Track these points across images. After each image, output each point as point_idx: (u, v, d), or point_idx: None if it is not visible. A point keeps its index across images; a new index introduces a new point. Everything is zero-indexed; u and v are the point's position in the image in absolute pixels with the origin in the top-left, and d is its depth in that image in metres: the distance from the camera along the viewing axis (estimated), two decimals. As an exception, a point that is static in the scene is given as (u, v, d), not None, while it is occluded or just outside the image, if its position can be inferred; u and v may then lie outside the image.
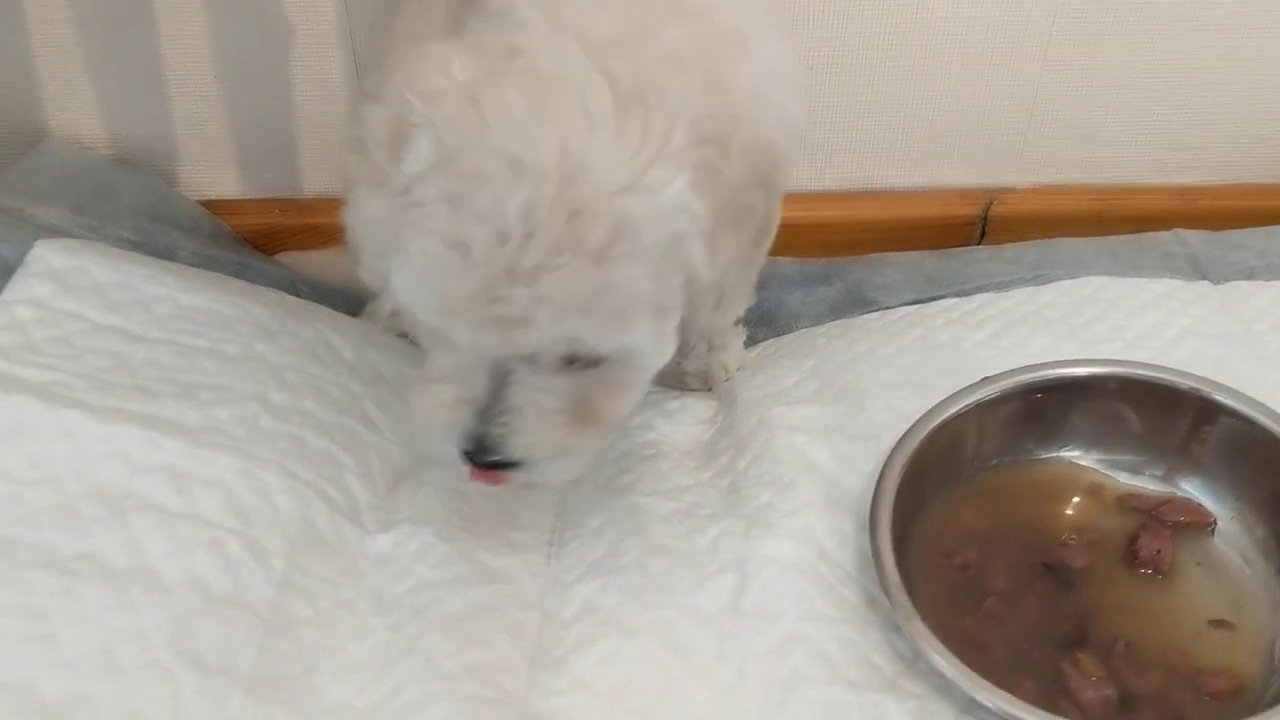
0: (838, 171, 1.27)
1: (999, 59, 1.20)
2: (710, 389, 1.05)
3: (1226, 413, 0.87)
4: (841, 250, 1.21)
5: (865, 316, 1.09)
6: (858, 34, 1.17)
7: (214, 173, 1.25)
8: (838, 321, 1.10)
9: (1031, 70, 1.20)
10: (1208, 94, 1.23)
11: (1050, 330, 1.01)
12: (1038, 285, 1.08)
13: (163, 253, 1.08)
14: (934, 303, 1.09)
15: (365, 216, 0.95)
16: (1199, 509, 0.87)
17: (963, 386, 0.90)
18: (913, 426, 0.87)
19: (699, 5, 0.75)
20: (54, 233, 1.00)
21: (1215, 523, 0.86)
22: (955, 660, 0.72)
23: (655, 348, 0.73)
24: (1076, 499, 0.89)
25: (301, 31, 1.15)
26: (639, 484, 0.94)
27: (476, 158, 0.66)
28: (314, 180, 1.25)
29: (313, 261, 1.21)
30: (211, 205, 1.24)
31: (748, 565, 0.83)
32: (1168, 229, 1.17)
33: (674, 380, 1.05)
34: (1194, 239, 1.14)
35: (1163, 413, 0.89)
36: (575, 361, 0.71)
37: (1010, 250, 1.15)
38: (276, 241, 1.25)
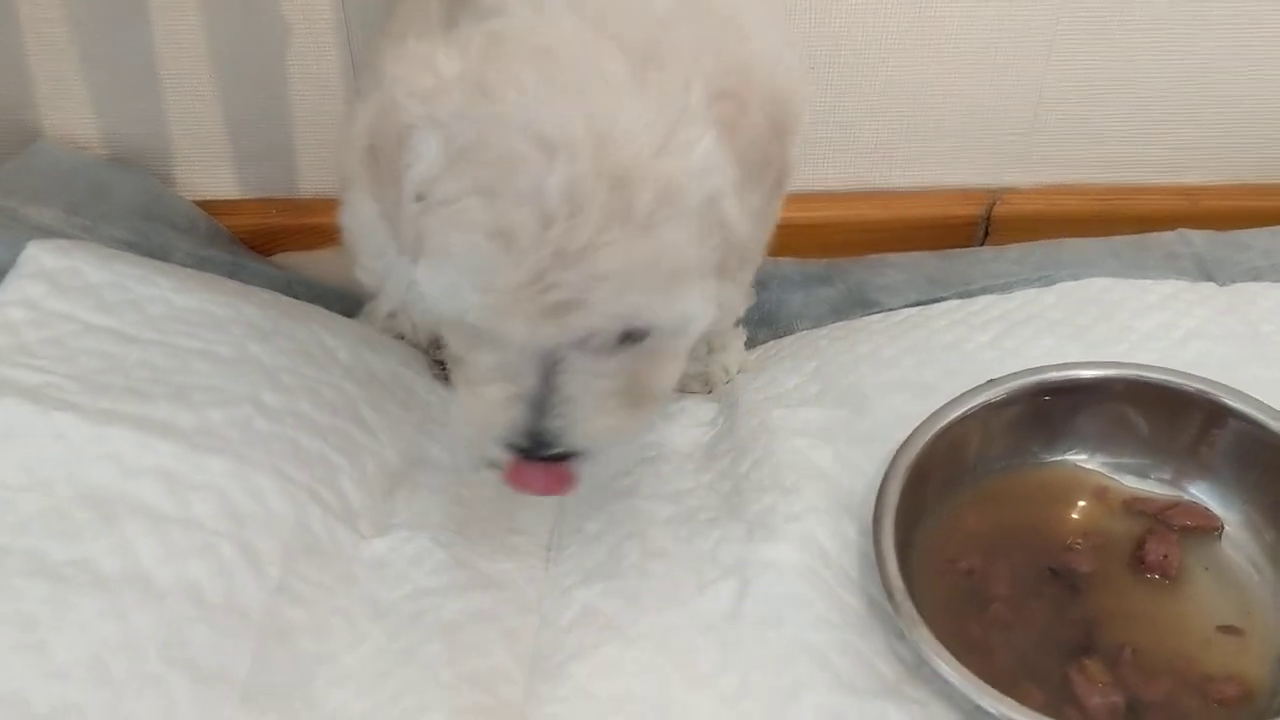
0: (839, 171, 1.26)
1: (1003, 58, 1.19)
2: (710, 391, 1.04)
3: (1235, 416, 0.86)
4: (843, 251, 1.21)
5: (867, 318, 1.09)
6: (859, 33, 1.17)
7: (210, 173, 1.24)
8: (839, 323, 1.09)
9: (1035, 69, 1.20)
10: (1213, 93, 1.23)
11: (1055, 332, 1.00)
12: (1042, 286, 1.07)
13: (157, 253, 1.07)
14: (937, 304, 1.08)
15: (361, 217, 0.95)
16: (1206, 513, 0.86)
17: (967, 389, 0.89)
18: (916, 429, 0.86)
19: None
20: (47, 233, 1.00)
21: (1223, 527, 0.86)
22: (959, 667, 0.72)
23: (703, 312, 0.71)
24: (1082, 503, 0.88)
25: (298, 30, 1.15)
26: (639, 487, 0.93)
27: (502, 143, 0.63)
28: (311, 180, 1.25)
29: (310, 262, 1.20)
30: (207, 205, 1.23)
31: (749, 570, 0.82)
32: (1173, 229, 1.16)
33: (674, 382, 1.04)
34: (1199, 239, 1.14)
35: (1170, 416, 0.88)
36: (628, 338, 0.69)
37: (1014, 251, 1.15)
38: (273, 242, 1.24)
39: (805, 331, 1.10)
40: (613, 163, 0.63)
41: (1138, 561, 0.83)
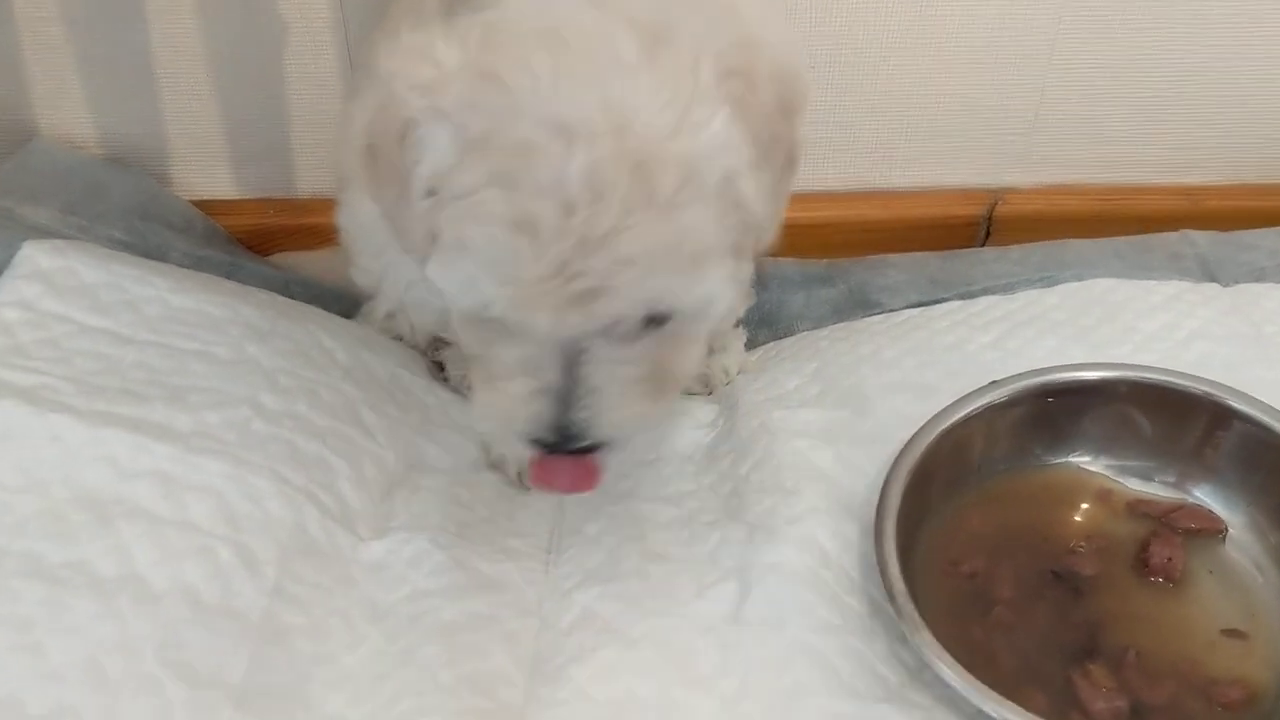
0: (840, 171, 1.25)
1: (1004, 57, 1.18)
2: (711, 392, 1.04)
3: (1240, 418, 0.85)
4: (843, 251, 1.20)
5: (868, 319, 1.08)
6: (860, 32, 1.16)
7: (207, 172, 1.23)
8: (840, 324, 1.09)
9: (1037, 68, 1.19)
10: (1216, 92, 1.22)
11: (1057, 333, 1.00)
12: (1044, 287, 1.07)
13: (154, 253, 1.06)
14: (938, 305, 1.08)
15: (358, 218, 0.94)
16: (1210, 515, 0.86)
17: (969, 390, 0.89)
18: (919, 431, 0.86)
19: None
20: (43, 233, 0.99)
21: (1227, 530, 0.85)
22: (962, 671, 0.71)
23: (724, 293, 0.70)
24: (1085, 505, 0.88)
25: (295, 29, 1.14)
26: (638, 489, 0.92)
27: (517, 131, 0.63)
28: (309, 180, 1.24)
29: (309, 262, 1.19)
30: (205, 205, 1.23)
31: (750, 573, 0.82)
32: (1175, 230, 1.15)
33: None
34: (1202, 240, 1.13)
35: (1174, 418, 0.88)
36: (650, 323, 0.69)
37: (1016, 252, 1.14)
38: (271, 242, 1.23)
39: (806, 332, 1.10)
40: (632, 146, 0.62)
41: (1141, 564, 0.83)
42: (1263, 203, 1.25)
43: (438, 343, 1.03)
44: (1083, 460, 0.90)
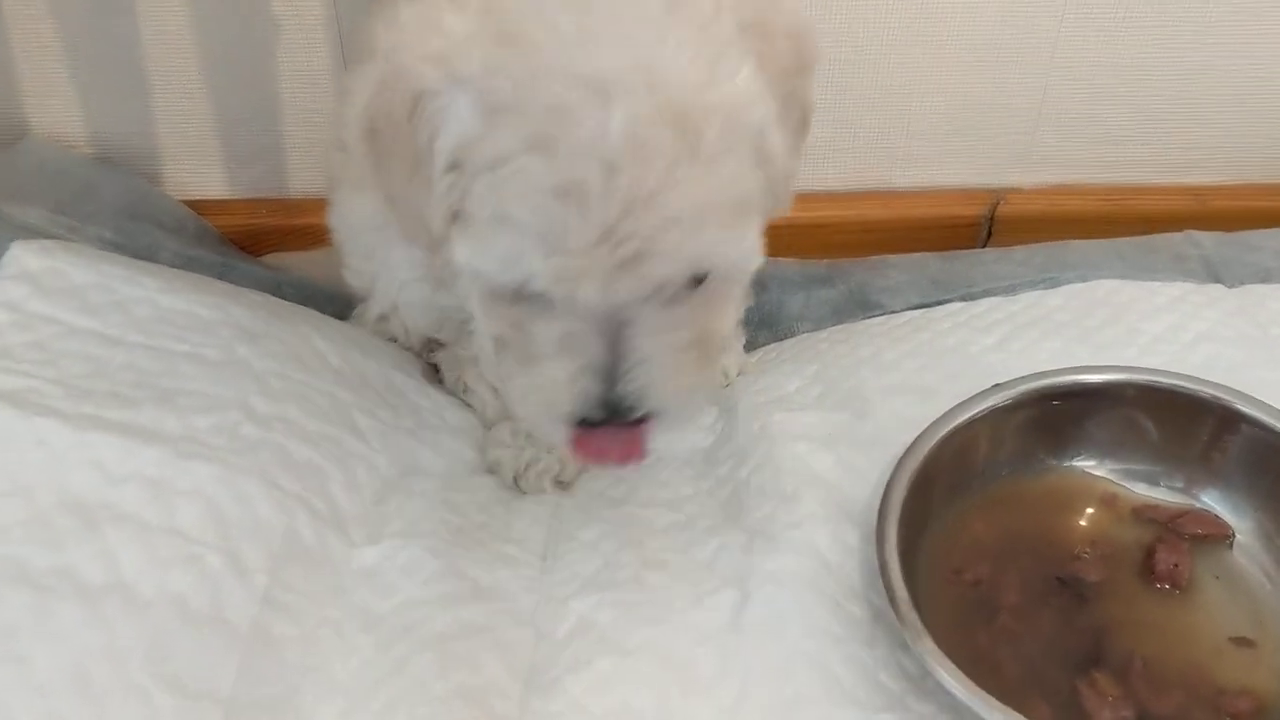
0: (839, 170, 1.25)
1: (1006, 55, 1.18)
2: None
3: (1248, 422, 0.85)
4: (843, 251, 1.19)
5: (869, 320, 1.08)
6: (860, 29, 1.15)
7: (198, 172, 1.23)
8: (841, 325, 1.08)
9: (1039, 67, 1.18)
10: (1220, 91, 1.21)
11: (1061, 334, 0.99)
12: (1047, 289, 1.06)
13: (144, 254, 1.05)
14: (940, 306, 1.07)
15: (349, 218, 0.93)
16: (1217, 521, 0.85)
17: (971, 392, 0.88)
18: (921, 434, 0.85)
19: None
20: (33, 233, 0.98)
21: (1234, 535, 0.84)
22: (966, 680, 0.70)
23: (759, 249, 0.69)
24: (1090, 510, 0.87)
25: (288, 26, 1.13)
26: (635, 494, 0.91)
27: (549, 93, 0.61)
28: (301, 179, 1.23)
29: (302, 263, 1.18)
30: (196, 205, 1.22)
31: (749, 580, 0.81)
32: (1179, 230, 1.15)
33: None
34: (1207, 240, 1.12)
35: (1181, 421, 0.87)
36: (693, 285, 0.68)
37: (1018, 253, 1.14)
38: (263, 242, 1.23)
39: (806, 334, 1.09)
40: (669, 99, 0.61)
41: (1147, 571, 0.82)
42: (1269, 202, 1.24)
43: (432, 344, 1.02)
44: (1087, 464, 0.89)
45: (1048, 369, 0.89)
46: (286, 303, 1.02)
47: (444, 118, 0.64)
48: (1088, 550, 0.83)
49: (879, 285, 1.12)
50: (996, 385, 0.88)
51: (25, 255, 0.91)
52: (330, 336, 0.97)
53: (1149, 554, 0.82)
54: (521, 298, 0.67)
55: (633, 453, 0.73)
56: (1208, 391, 0.86)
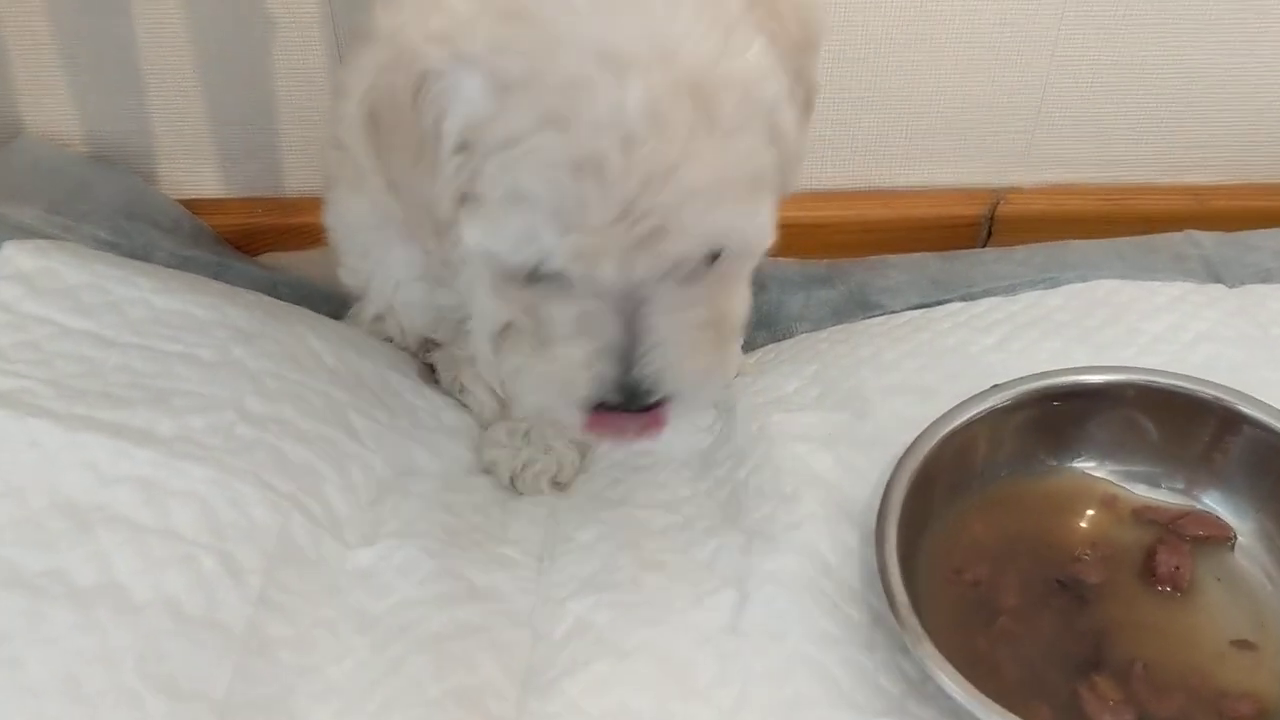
0: (839, 169, 1.24)
1: (1006, 54, 1.17)
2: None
3: (1249, 423, 0.84)
4: (843, 251, 1.19)
5: (869, 320, 1.07)
6: (860, 27, 1.15)
7: (194, 170, 1.22)
8: (840, 325, 1.08)
9: (1039, 65, 1.18)
10: (1221, 90, 1.21)
11: (1061, 334, 0.99)
12: (1047, 288, 1.06)
13: (139, 253, 1.05)
14: (940, 306, 1.07)
15: (345, 217, 0.93)
16: (1218, 522, 0.84)
17: (971, 393, 0.87)
18: (920, 435, 0.84)
19: None
20: (27, 233, 0.98)
21: (1236, 537, 0.84)
22: (965, 683, 0.69)
23: (772, 227, 0.69)
24: (1091, 511, 0.86)
25: (283, 23, 1.13)
26: (633, 495, 0.91)
27: (562, 67, 0.60)
28: (297, 178, 1.23)
29: (298, 262, 1.18)
30: (192, 204, 1.22)
31: (748, 581, 0.80)
32: (1180, 230, 1.14)
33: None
34: (1207, 240, 1.12)
35: (1182, 422, 0.86)
36: (709, 263, 0.67)
37: (1018, 253, 1.13)
38: (259, 242, 1.22)
39: (805, 334, 1.09)
40: (685, 71, 0.60)
41: (1148, 573, 0.81)
42: (1269, 202, 1.24)
43: (429, 344, 1.02)
44: (1088, 465, 0.89)
45: (1048, 369, 0.89)
46: (282, 303, 1.01)
47: (450, 97, 0.64)
48: (1088, 552, 0.83)
49: (879, 285, 1.12)
50: (996, 385, 0.87)
51: (19, 255, 0.90)
52: (326, 336, 0.96)
53: (1150, 556, 0.82)
54: (535, 279, 0.67)
55: (650, 428, 0.72)
56: (1209, 392, 0.86)
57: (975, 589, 0.81)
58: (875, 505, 0.81)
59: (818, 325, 1.09)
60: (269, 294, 1.03)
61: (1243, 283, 1.05)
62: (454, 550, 0.84)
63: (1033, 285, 1.06)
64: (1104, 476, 0.88)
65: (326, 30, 1.13)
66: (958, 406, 0.86)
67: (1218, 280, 1.06)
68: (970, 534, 0.84)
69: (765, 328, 1.11)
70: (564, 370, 0.69)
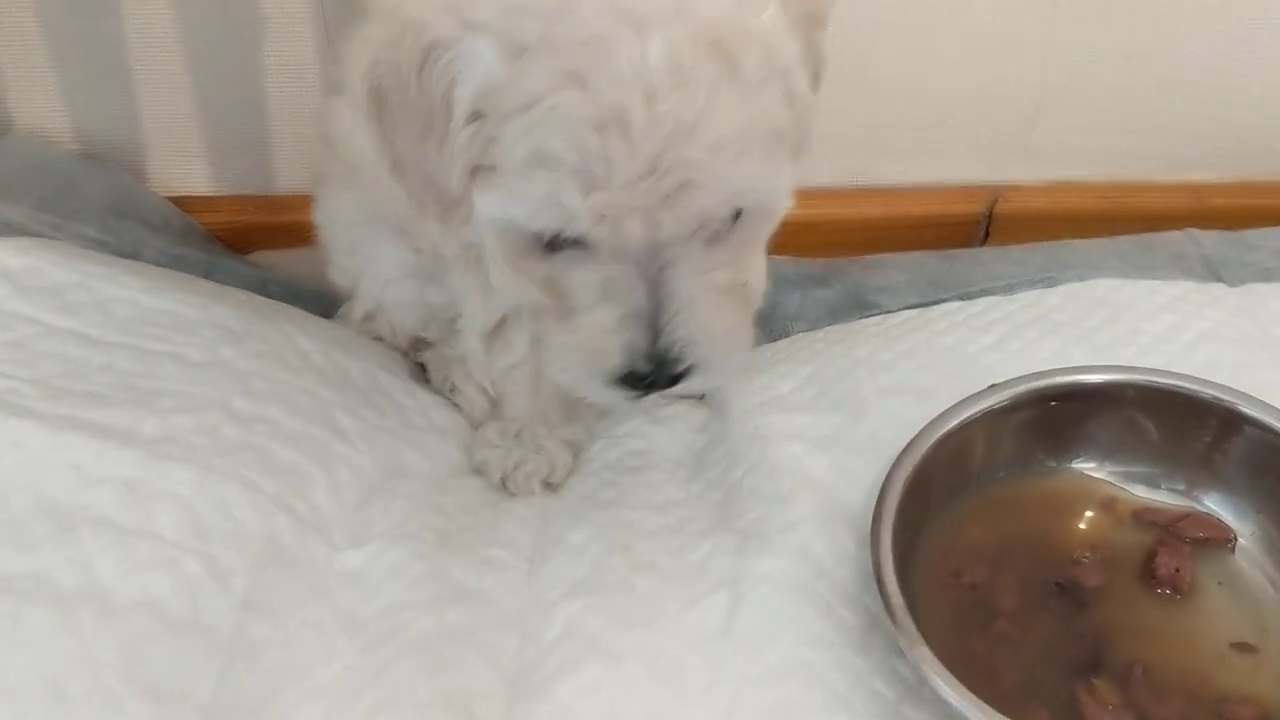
0: (833, 166, 1.24)
1: (1001, 45, 1.16)
2: (702, 396, 1.01)
3: (1250, 423, 0.83)
4: (839, 250, 1.18)
5: (865, 320, 1.07)
6: (852, 18, 1.13)
7: (184, 168, 1.22)
8: (837, 325, 1.07)
9: (1035, 59, 1.17)
10: (1222, 86, 1.20)
11: (1060, 334, 0.98)
12: (1045, 288, 1.05)
13: (129, 251, 1.04)
14: (937, 306, 1.06)
15: (335, 214, 0.92)
16: (1219, 524, 0.84)
17: (968, 393, 0.87)
18: (917, 436, 0.84)
19: None
20: (15, 230, 0.97)
21: (1236, 539, 0.83)
22: (962, 689, 0.69)
23: (791, 189, 0.69)
24: (1090, 513, 0.86)
25: (274, 19, 1.12)
26: (625, 496, 0.90)
27: (580, 26, 0.61)
28: (288, 176, 1.22)
29: (289, 261, 1.17)
30: (181, 202, 1.21)
31: (741, 584, 0.80)
32: (1179, 228, 1.14)
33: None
34: (1208, 239, 1.11)
35: (1182, 423, 0.86)
36: (732, 222, 0.68)
37: (1016, 252, 1.13)
38: (249, 240, 1.22)
39: (801, 334, 1.08)
40: (703, 25, 0.61)
41: (1148, 575, 0.81)
42: (1270, 201, 1.24)
43: (419, 344, 1.01)
44: (1087, 467, 0.88)
45: (1046, 369, 0.88)
46: (271, 302, 1.01)
47: (461, 66, 0.64)
48: (1087, 554, 0.82)
49: (875, 285, 1.11)
50: (993, 386, 0.87)
51: (5, 253, 0.90)
52: (314, 335, 0.96)
53: (1149, 558, 0.81)
54: (555, 247, 0.67)
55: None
56: (1209, 392, 0.85)
57: (973, 591, 0.80)
58: (871, 507, 0.80)
59: (814, 325, 1.09)
60: (259, 292, 1.02)
61: (1244, 282, 1.05)
62: (443, 552, 0.83)
63: (1031, 284, 1.06)
64: (1103, 478, 0.88)
65: (317, 26, 1.12)
66: (954, 407, 0.85)
67: (1218, 279, 1.05)
68: (968, 536, 0.84)
69: (760, 327, 1.09)
70: (590, 339, 0.69)
